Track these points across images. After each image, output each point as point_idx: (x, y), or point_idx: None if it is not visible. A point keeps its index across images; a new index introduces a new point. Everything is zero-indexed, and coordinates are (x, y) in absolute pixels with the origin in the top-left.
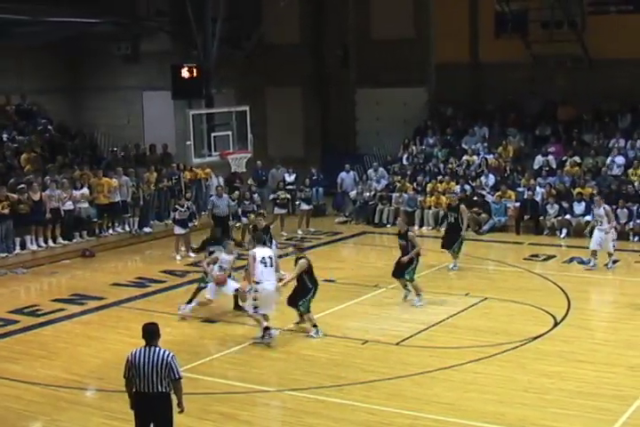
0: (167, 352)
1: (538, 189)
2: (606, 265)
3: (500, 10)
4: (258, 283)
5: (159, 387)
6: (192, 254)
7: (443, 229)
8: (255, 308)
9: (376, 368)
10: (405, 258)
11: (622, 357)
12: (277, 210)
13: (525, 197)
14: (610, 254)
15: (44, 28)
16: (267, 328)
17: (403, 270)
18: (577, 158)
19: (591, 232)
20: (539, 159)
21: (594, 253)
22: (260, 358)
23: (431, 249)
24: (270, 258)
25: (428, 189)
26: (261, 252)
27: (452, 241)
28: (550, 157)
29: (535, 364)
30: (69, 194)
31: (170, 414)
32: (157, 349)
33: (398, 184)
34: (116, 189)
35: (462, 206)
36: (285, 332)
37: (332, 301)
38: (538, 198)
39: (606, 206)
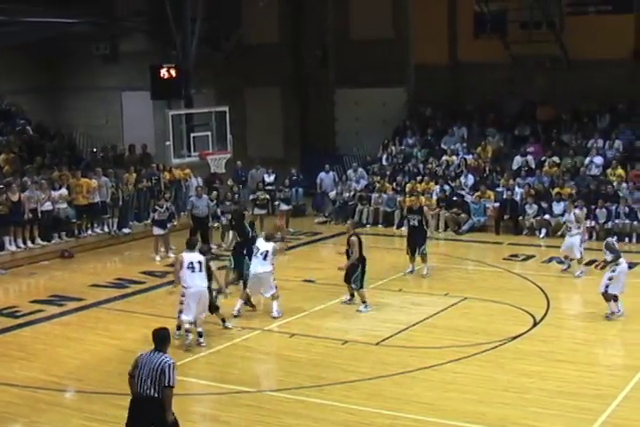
0: (167, 359)
1: (517, 189)
2: (575, 273)
3: (478, 10)
4: (185, 288)
5: (151, 391)
6: (171, 255)
7: (402, 230)
8: (180, 311)
9: (356, 368)
10: (342, 266)
11: (602, 356)
12: (257, 210)
13: (504, 197)
14: (578, 261)
15: (22, 29)
16: (187, 330)
17: (349, 277)
18: (556, 159)
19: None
20: (518, 159)
21: (565, 256)
22: (240, 359)
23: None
24: (199, 263)
25: (407, 190)
26: (189, 257)
27: (417, 246)
28: (529, 158)
29: (515, 363)
30: (48, 195)
31: (164, 418)
32: (161, 354)
33: (378, 184)
34: (95, 189)
35: (425, 208)
36: (266, 332)
37: (311, 301)
38: (517, 198)
39: (577, 211)
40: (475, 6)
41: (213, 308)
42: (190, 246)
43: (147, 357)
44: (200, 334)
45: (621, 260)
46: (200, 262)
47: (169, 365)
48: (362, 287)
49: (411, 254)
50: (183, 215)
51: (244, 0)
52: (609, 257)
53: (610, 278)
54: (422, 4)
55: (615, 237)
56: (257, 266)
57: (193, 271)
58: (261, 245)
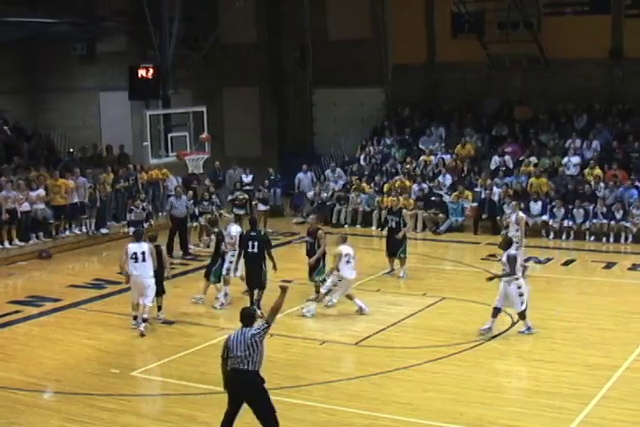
0: (253, 329)
1: (495, 189)
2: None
3: (456, 11)
4: (129, 276)
5: (247, 365)
6: None
7: (382, 232)
8: None
9: (335, 369)
10: (312, 260)
11: (580, 356)
12: (235, 210)
13: (483, 196)
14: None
15: (1, 29)
16: (135, 317)
17: (313, 272)
18: (533, 158)
19: (547, 232)
20: (495, 159)
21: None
22: (219, 359)
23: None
24: (143, 253)
25: (385, 190)
26: (134, 247)
27: (396, 247)
28: (507, 157)
29: (493, 363)
30: (26, 195)
31: (263, 391)
32: (248, 329)
33: (354, 184)
34: (73, 190)
35: (405, 211)
36: None
37: (289, 301)
38: (495, 198)
39: (521, 214)
40: (452, 7)
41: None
42: (136, 237)
43: (237, 335)
44: (144, 320)
45: (519, 275)
46: (144, 253)
47: (255, 330)
48: (324, 280)
49: (389, 255)
50: (161, 216)
51: (222, 0)
52: (507, 271)
53: (521, 295)
54: (400, 4)
55: (520, 251)
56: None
57: (136, 261)
58: (348, 249)
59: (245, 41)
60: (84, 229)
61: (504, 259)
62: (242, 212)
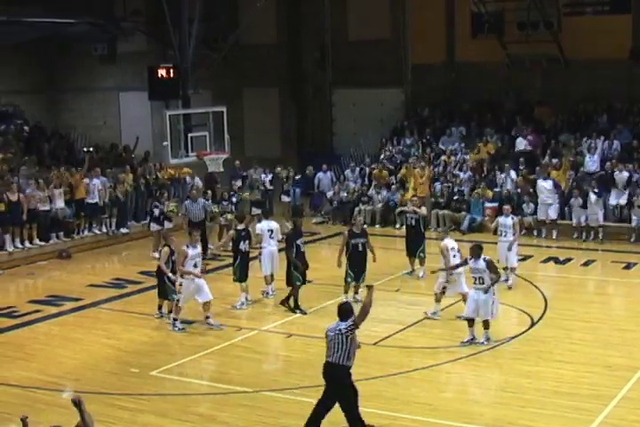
0: (343, 326)
1: (512, 174)
2: (505, 281)
3: (476, 11)
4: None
5: (335, 358)
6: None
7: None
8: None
9: (354, 369)
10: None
11: (600, 356)
12: (254, 210)
13: (503, 195)
14: (512, 269)
15: (19, 29)
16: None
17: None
18: (555, 160)
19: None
20: (521, 141)
21: (504, 268)
22: (238, 359)
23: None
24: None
25: (401, 172)
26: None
27: (415, 246)
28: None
29: (512, 364)
30: (47, 194)
31: (344, 387)
32: (341, 322)
33: (375, 171)
34: (94, 189)
35: (423, 208)
36: (263, 332)
37: (309, 301)
38: (515, 198)
39: (514, 217)
40: (472, 7)
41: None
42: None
43: (332, 328)
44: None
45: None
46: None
47: (344, 325)
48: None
49: (408, 255)
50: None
51: (242, 1)
52: (487, 278)
53: (493, 302)
54: (420, 4)
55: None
56: None
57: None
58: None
59: (265, 41)
60: (104, 229)
61: (482, 266)
62: (259, 211)
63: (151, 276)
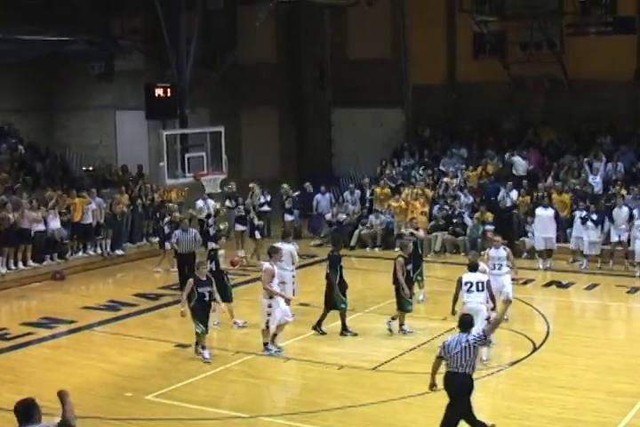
0: (471, 336)
1: (514, 194)
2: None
3: (478, 31)
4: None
5: (462, 368)
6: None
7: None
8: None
9: (352, 394)
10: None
11: (603, 382)
12: (237, 226)
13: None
14: (508, 302)
15: (16, 47)
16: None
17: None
18: (558, 184)
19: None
20: (519, 160)
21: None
22: (234, 384)
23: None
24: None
25: (401, 194)
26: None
27: (413, 270)
28: (525, 162)
29: (515, 390)
30: (41, 215)
31: (468, 395)
32: (467, 335)
33: (377, 190)
34: (88, 208)
35: (421, 231)
36: (260, 356)
37: (307, 325)
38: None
39: (507, 248)
40: (474, 26)
41: None
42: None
43: (455, 339)
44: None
45: (465, 298)
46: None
47: (472, 337)
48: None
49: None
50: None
51: (241, 20)
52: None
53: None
54: (421, 23)
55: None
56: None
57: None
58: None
59: (264, 60)
60: (99, 250)
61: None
62: (243, 227)
63: (147, 298)
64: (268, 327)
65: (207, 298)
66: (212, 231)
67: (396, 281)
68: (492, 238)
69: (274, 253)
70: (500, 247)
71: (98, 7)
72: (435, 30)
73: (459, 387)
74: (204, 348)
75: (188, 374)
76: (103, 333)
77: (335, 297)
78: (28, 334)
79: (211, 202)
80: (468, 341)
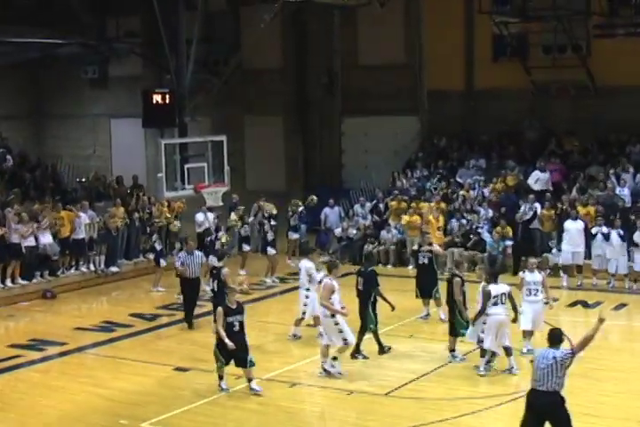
0: (559, 352)
1: (537, 207)
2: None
3: (498, 33)
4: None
5: (548, 386)
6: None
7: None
8: None
9: (362, 421)
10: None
11: (632, 409)
12: (244, 247)
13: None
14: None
15: (5, 50)
16: None
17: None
18: (583, 198)
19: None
20: (538, 174)
21: (528, 333)
22: (236, 410)
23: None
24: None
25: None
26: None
27: (429, 286)
28: (547, 175)
29: None
30: (31, 229)
31: (564, 411)
32: (554, 350)
33: (392, 203)
34: (80, 223)
35: (436, 246)
36: (264, 381)
37: (314, 347)
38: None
39: (543, 272)
40: (493, 28)
41: None
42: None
43: (543, 355)
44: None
45: (493, 311)
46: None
47: (560, 353)
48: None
49: (422, 296)
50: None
51: (244, 21)
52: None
53: (482, 331)
54: (436, 26)
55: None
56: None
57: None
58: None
59: (269, 65)
60: (92, 267)
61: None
62: (249, 247)
63: (143, 318)
64: (346, 344)
65: (237, 328)
66: (217, 245)
67: (452, 302)
68: (528, 261)
69: (334, 268)
70: (534, 271)
71: (92, 7)
72: (451, 32)
73: (544, 406)
74: (221, 378)
75: (188, 400)
76: (96, 355)
77: (367, 316)
78: (16, 356)
79: (210, 215)
80: (555, 358)
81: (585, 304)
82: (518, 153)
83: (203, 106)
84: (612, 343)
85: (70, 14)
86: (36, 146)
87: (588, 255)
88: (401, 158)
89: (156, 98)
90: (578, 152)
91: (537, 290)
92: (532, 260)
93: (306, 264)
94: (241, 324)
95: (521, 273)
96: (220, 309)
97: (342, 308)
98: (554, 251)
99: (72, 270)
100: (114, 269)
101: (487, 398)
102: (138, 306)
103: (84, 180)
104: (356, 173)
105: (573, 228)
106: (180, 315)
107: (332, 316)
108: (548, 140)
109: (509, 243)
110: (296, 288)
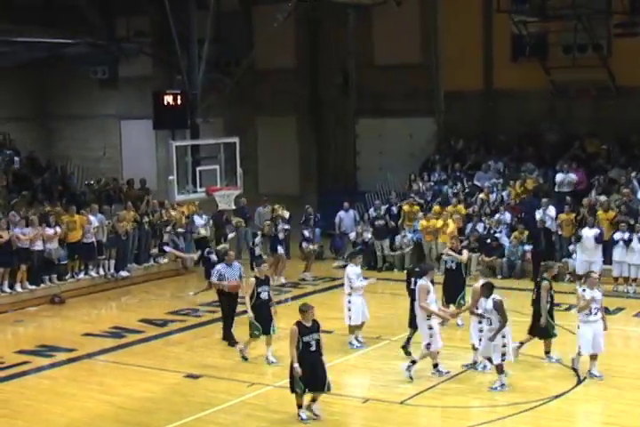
0: None
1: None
2: (590, 373)
3: (517, 33)
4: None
5: None
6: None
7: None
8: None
9: None
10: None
11: None
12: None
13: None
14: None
15: (13, 49)
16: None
17: None
18: (603, 197)
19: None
20: (561, 177)
21: (592, 357)
22: (249, 418)
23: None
24: None
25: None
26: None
27: (455, 293)
28: (572, 176)
29: (556, 426)
30: (40, 233)
31: None
32: None
33: (406, 207)
34: (90, 227)
35: (465, 252)
36: (277, 388)
37: (329, 354)
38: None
39: (600, 289)
40: (512, 28)
41: None
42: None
43: None
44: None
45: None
46: None
47: None
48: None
49: (448, 302)
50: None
51: (257, 21)
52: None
53: (504, 346)
54: (454, 25)
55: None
56: None
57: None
58: None
59: (283, 65)
60: (102, 272)
61: (489, 306)
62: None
63: (153, 324)
64: (429, 349)
65: (313, 348)
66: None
67: (537, 305)
68: (590, 276)
69: (430, 270)
70: (594, 287)
71: (101, 6)
72: (469, 32)
73: None
74: (300, 407)
75: (199, 408)
76: (106, 362)
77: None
78: (24, 362)
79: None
80: None
81: (605, 311)
82: (537, 155)
83: (214, 107)
84: (632, 351)
85: (79, 14)
86: (44, 148)
87: (609, 260)
88: (417, 160)
89: (167, 99)
90: (603, 156)
91: (597, 309)
92: (595, 275)
93: (348, 269)
94: (317, 342)
95: (579, 289)
96: (252, 279)
97: (440, 310)
98: (574, 256)
99: (81, 275)
100: (124, 273)
101: (506, 406)
102: (148, 311)
103: (92, 182)
104: (372, 175)
105: (588, 235)
106: (192, 321)
107: (428, 318)
108: (567, 142)
109: (528, 248)
110: (305, 295)
